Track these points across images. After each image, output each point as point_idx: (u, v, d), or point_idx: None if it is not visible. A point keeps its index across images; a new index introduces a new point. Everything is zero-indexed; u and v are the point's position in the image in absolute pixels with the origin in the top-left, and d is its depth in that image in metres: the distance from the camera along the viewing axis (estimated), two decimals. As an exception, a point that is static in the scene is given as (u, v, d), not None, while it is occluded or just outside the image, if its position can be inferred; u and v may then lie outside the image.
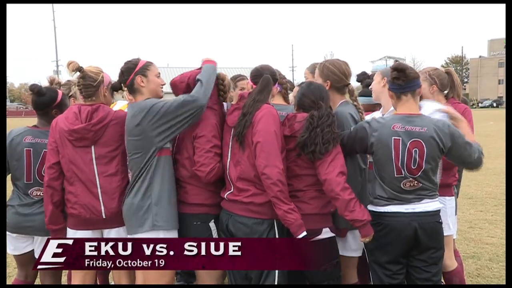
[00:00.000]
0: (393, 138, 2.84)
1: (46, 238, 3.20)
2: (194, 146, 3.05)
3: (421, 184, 2.84)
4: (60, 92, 3.45)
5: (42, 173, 3.26)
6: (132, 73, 3.07)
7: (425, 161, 2.81)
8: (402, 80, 2.88)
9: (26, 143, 3.30)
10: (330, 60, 3.38)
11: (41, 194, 3.28)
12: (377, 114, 3.57)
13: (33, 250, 3.37)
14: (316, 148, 2.83)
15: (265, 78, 3.04)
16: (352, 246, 3.24)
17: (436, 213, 2.89)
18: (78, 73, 3.13)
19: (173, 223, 3.01)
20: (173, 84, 3.27)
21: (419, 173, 2.82)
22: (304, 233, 2.79)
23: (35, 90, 3.35)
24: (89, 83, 3.11)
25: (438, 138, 2.81)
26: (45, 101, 3.37)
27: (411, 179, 2.83)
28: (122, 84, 3.13)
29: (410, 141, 2.81)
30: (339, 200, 2.79)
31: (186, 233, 3.07)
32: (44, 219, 3.18)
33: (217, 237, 3.07)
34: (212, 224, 3.08)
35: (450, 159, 2.97)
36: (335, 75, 3.26)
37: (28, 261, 3.40)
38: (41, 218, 3.22)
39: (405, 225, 2.82)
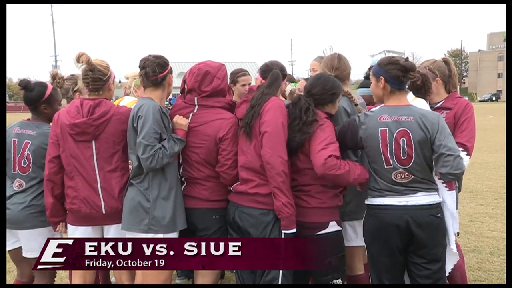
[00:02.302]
0: (380, 129, 2.83)
1: (24, 233, 3.23)
2: (219, 147, 3.05)
3: (413, 176, 2.80)
4: (49, 87, 3.40)
5: (22, 164, 3.25)
6: (167, 69, 3.10)
7: (414, 150, 2.77)
8: (407, 79, 2.89)
9: (14, 134, 3.30)
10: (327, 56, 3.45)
11: (19, 185, 3.26)
12: None
13: (20, 247, 3.33)
14: (293, 142, 2.92)
15: (274, 73, 3.09)
16: (351, 235, 3.27)
17: (433, 206, 2.82)
18: (84, 66, 3.09)
19: (171, 227, 2.98)
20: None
21: (411, 164, 2.79)
22: (294, 230, 2.84)
23: (23, 85, 3.32)
24: (99, 76, 3.10)
25: (424, 126, 2.77)
26: (33, 97, 3.34)
27: (401, 170, 2.80)
28: (152, 74, 3.04)
29: (397, 130, 2.79)
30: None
31: (206, 227, 3.09)
32: (16, 210, 3.20)
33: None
34: None
35: (435, 153, 2.80)
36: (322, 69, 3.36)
37: (19, 257, 3.39)
38: (13, 209, 3.21)
39: (397, 218, 2.79)
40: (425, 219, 2.78)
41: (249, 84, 4.07)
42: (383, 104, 2.99)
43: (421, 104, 3.17)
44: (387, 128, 2.82)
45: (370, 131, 2.85)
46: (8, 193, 3.28)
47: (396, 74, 2.88)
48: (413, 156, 2.78)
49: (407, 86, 2.96)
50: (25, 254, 3.27)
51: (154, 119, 2.92)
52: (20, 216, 3.22)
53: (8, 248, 3.39)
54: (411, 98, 3.18)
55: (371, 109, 3.06)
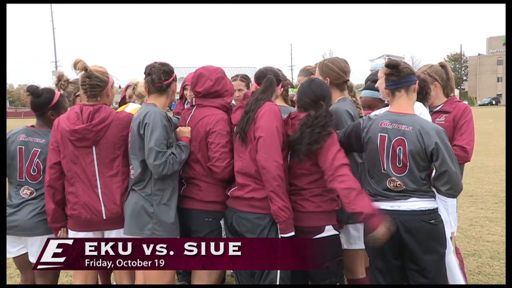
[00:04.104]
0: (379, 134, 2.85)
1: (37, 239, 3.22)
2: (208, 141, 3.11)
3: (404, 187, 2.79)
4: (57, 94, 3.43)
5: (31, 172, 3.27)
6: (172, 77, 3.16)
7: (408, 159, 2.77)
8: (395, 76, 2.88)
9: (19, 141, 3.31)
10: (329, 58, 3.46)
11: (29, 193, 3.28)
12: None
13: (27, 253, 3.34)
14: (301, 148, 2.88)
15: (269, 79, 3.12)
16: (355, 239, 3.27)
17: (425, 212, 2.79)
18: (82, 72, 3.12)
19: (173, 232, 3.01)
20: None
21: (405, 173, 2.79)
22: (292, 233, 2.86)
23: (31, 91, 3.35)
24: (96, 83, 3.13)
25: (421, 138, 2.76)
26: (41, 102, 3.36)
27: (394, 178, 2.81)
28: (158, 81, 3.09)
29: (395, 139, 2.80)
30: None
31: (198, 229, 3.12)
32: (26, 218, 3.21)
33: (224, 233, 3.13)
34: (222, 222, 3.15)
35: (440, 170, 2.80)
36: (334, 72, 3.34)
37: (24, 264, 3.39)
38: (24, 216, 3.22)
39: (387, 222, 2.77)
40: (415, 225, 2.76)
41: (240, 90, 4.06)
42: (387, 109, 3.01)
43: (418, 107, 3.19)
44: (387, 135, 2.83)
45: (371, 134, 2.87)
46: (16, 201, 3.29)
47: (386, 73, 2.93)
48: (408, 165, 2.79)
49: (404, 86, 2.91)
50: (34, 260, 3.26)
51: (162, 125, 2.96)
52: (31, 223, 3.24)
53: (13, 255, 3.40)
54: (419, 107, 3.18)
55: (375, 113, 3.07)
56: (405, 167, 2.79)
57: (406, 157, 2.78)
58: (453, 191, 2.82)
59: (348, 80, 3.38)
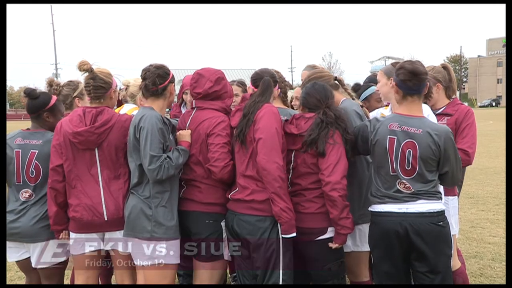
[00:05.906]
0: (388, 137, 2.84)
1: (42, 245, 3.21)
2: (208, 143, 3.10)
3: (413, 189, 2.79)
4: (54, 97, 3.43)
5: (30, 174, 3.25)
6: (168, 79, 3.14)
7: (418, 162, 2.77)
8: (414, 83, 2.85)
9: (16, 144, 3.29)
10: (308, 78, 3.44)
11: (28, 195, 3.25)
12: (385, 112, 3.56)
13: (29, 257, 3.32)
14: (318, 145, 2.89)
15: (266, 81, 3.12)
16: (362, 240, 3.25)
17: (434, 214, 2.78)
18: (86, 73, 3.12)
19: (174, 233, 3.00)
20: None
21: (414, 175, 2.79)
22: (294, 234, 2.87)
23: (27, 92, 3.35)
24: (100, 85, 3.13)
25: (432, 140, 2.76)
26: (37, 105, 3.35)
27: (403, 181, 2.81)
28: (152, 86, 3.09)
29: (405, 141, 2.79)
30: (337, 202, 2.86)
31: (198, 231, 3.10)
32: (29, 224, 3.19)
33: (225, 235, 3.12)
34: (223, 223, 3.14)
35: (442, 171, 2.87)
36: (322, 77, 3.32)
37: (28, 267, 3.38)
38: (26, 223, 3.20)
39: (396, 225, 2.78)
40: (424, 227, 2.76)
41: (236, 94, 4.05)
42: (395, 111, 3.00)
43: (425, 109, 3.18)
44: (396, 137, 2.82)
45: (379, 137, 2.87)
46: (17, 206, 3.24)
47: (404, 78, 2.85)
48: (417, 168, 2.79)
49: (419, 93, 2.89)
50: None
51: (158, 129, 2.95)
52: (33, 229, 3.21)
53: (16, 259, 3.37)
54: (426, 109, 3.17)
55: (380, 110, 3.06)
56: (414, 170, 2.79)
57: (416, 160, 2.78)
58: (450, 186, 3.06)
59: (335, 76, 3.39)
